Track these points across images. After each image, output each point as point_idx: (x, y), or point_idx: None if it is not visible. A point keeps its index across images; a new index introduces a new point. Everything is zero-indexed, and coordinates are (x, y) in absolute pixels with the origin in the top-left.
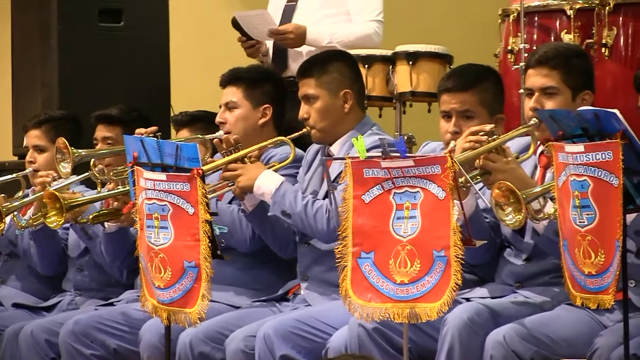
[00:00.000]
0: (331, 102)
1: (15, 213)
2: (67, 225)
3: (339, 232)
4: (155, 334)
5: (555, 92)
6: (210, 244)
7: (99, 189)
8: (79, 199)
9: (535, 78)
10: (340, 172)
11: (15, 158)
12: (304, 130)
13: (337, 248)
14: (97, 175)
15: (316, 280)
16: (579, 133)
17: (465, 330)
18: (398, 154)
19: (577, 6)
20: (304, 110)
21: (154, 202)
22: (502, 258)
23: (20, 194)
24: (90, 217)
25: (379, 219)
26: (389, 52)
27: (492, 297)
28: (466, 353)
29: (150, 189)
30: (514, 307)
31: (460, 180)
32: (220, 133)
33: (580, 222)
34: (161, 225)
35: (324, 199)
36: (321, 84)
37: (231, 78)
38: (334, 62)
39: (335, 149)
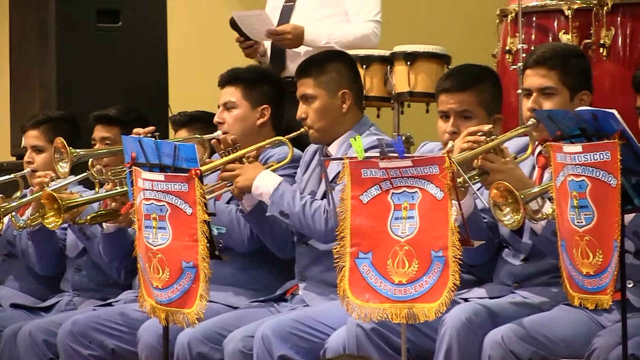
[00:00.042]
0: (329, 102)
1: (14, 213)
2: (65, 225)
3: (337, 233)
4: (153, 334)
5: (553, 93)
6: (208, 244)
7: (97, 189)
8: (77, 200)
9: (533, 78)
10: (338, 173)
11: (14, 158)
12: (302, 130)
13: (335, 248)
14: (95, 175)
15: (314, 280)
16: (577, 133)
17: (464, 331)
18: (396, 154)
19: (575, 6)
20: (301, 110)
21: (152, 203)
22: (500, 258)
23: (18, 194)
24: (89, 217)
25: (377, 219)
26: (387, 53)
27: (490, 298)
28: (464, 353)
29: (148, 190)
30: (512, 307)
31: (459, 180)
32: (218, 133)
33: (578, 222)
34: (159, 226)
35: (322, 199)
36: (319, 84)
37: (230, 78)
38: (332, 62)
39: (333, 149)
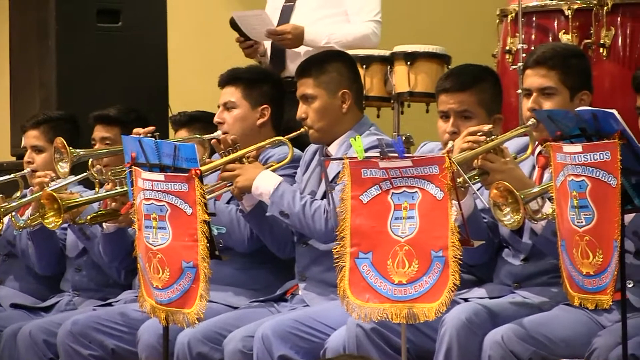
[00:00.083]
0: (329, 102)
1: (13, 213)
2: (65, 225)
3: (337, 233)
4: (153, 334)
5: (553, 93)
6: (208, 244)
7: (97, 189)
8: (77, 200)
9: (533, 78)
10: (338, 173)
11: (14, 158)
12: (302, 129)
13: (335, 248)
14: (95, 175)
15: (314, 280)
16: (577, 133)
17: (464, 331)
18: (396, 154)
19: (575, 6)
20: (301, 110)
21: (152, 203)
22: (500, 258)
23: (18, 194)
24: (89, 217)
25: (377, 219)
26: (387, 53)
27: (490, 298)
28: (464, 353)
29: (148, 190)
30: (512, 307)
31: (459, 180)
32: (218, 133)
33: (578, 222)
34: (159, 226)
35: (322, 199)
36: (319, 84)
37: (230, 78)
38: (332, 62)
39: (333, 149)
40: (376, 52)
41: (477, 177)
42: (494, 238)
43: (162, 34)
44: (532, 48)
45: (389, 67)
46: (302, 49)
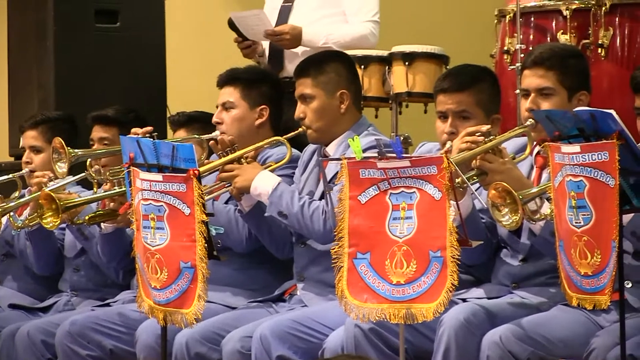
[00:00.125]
0: (327, 102)
1: (12, 213)
2: (64, 225)
3: (335, 233)
4: (151, 334)
5: (551, 93)
6: (206, 245)
7: (95, 189)
8: (75, 200)
9: (532, 79)
10: (337, 173)
11: (12, 159)
12: (300, 129)
13: (333, 248)
14: (94, 175)
15: (312, 280)
16: (575, 134)
17: (462, 331)
18: (394, 155)
19: (574, 6)
20: (300, 109)
21: (150, 203)
22: (499, 259)
23: (16, 194)
24: (87, 217)
25: (375, 219)
26: (385, 53)
27: (489, 298)
28: (462, 354)
29: (146, 190)
30: (511, 307)
31: (457, 180)
32: (216, 133)
33: (576, 222)
34: (157, 226)
35: (320, 199)
36: (318, 84)
37: (228, 78)
38: (331, 63)
39: (331, 149)
40: (374, 53)
41: (475, 178)
42: (492, 238)
43: (160, 35)
44: (530, 48)
45: (387, 67)
46: (300, 49)
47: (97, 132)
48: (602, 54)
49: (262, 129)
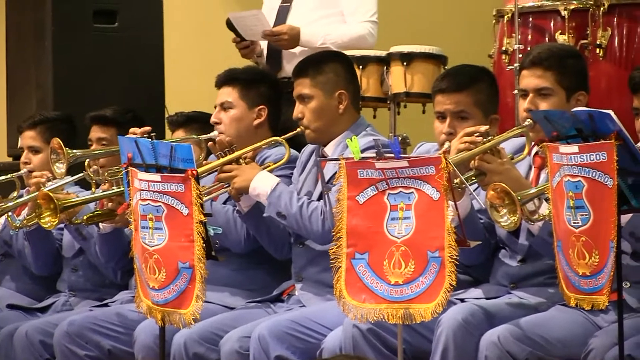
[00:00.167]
0: (326, 102)
1: (10, 213)
2: (62, 225)
3: (333, 233)
4: (149, 334)
5: (549, 93)
6: (204, 245)
7: (93, 189)
8: (73, 200)
9: (530, 79)
10: (335, 173)
11: (10, 159)
12: (298, 130)
13: (332, 249)
14: (92, 175)
15: (311, 281)
16: (574, 134)
17: (460, 331)
18: (392, 155)
19: (572, 7)
20: (298, 109)
21: (148, 203)
22: (497, 259)
23: (15, 194)
24: (85, 217)
25: (373, 219)
26: (383, 53)
27: (487, 298)
28: (460, 354)
29: (144, 190)
30: (509, 308)
31: (456, 181)
32: (214, 133)
33: (574, 222)
34: (155, 226)
35: (318, 200)
36: (316, 84)
37: (227, 78)
38: (329, 63)
39: (329, 149)
40: (372, 53)
41: (474, 178)
42: (490, 239)
43: (158, 35)
44: (529, 48)
45: (385, 67)
46: (298, 50)
47: (96, 132)
48: (600, 54)
49: (261, 129)
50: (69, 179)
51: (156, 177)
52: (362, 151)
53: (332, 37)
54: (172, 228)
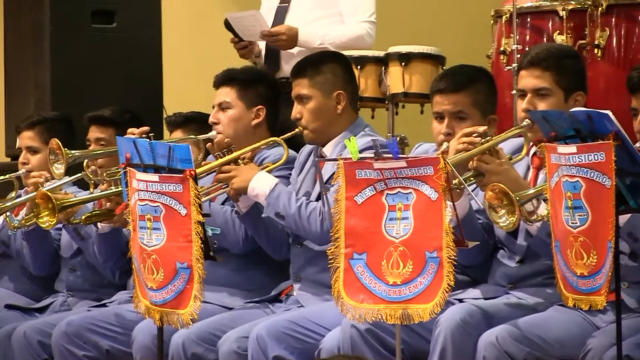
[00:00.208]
0: (324, 102)
1: (8, 213)
2: (60, 225)
3: (332, 234)
4: (147, 335)
5: (547, 93)
6: (202, 245)
7: (91, 189)
8: (72, 200)
9: (528, 79)
10: (333, 173)
11: (8, 159)
12: (297, 130)
13: (330, 249)
14: (90, 176)
15: (309, 281)
16: (572, 134)
17: (458, 332)
18: (391, 155)
19: (570, 7)
20: (296, 110)
21: (147, 203)
22: (496, 260)
23: (13, 194)
24: (83, 217)
25: (372, 220)
26: (381, 53)
27: (485, 298)
28: (459, 354)
29: (142, 190)
30: (507, 308)
31: (454, 182)
32: (213, 133)
33: (572, 223)
34: (154, 227)
35: (316, 200)
36: (314, 84)
37: (225, 79)
38: (327, 63)
39: (327, 150)
40: (370, 53)
41: (472, 179)
42: (488, 239)
43: (156, 35)
44: (527, 49)
45: (383, 67)
46: (296, 50)
47: (94, 133)
48: (599, 55)
49: (259, 129)
50: (67, 179)
51: (154, 177)
52: (361, 151)
53: (330, 37)
54: (170, 228)
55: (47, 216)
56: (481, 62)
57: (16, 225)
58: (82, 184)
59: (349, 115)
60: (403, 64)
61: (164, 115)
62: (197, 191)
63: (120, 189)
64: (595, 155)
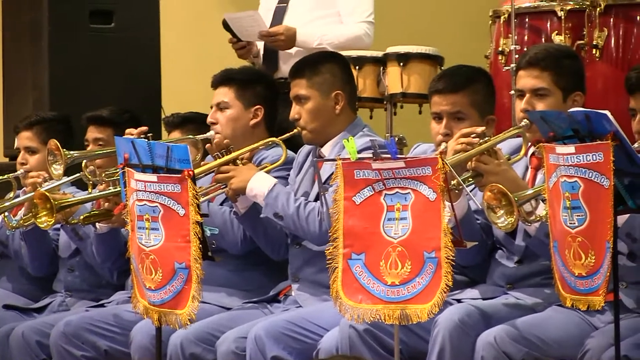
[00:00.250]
0: (322, 103)
1: (6, 213)
2: (58, 225)
3: (330, 234)
4: (146, 335)
5: (546, 94)
6: (200, 246)
7: (90, 190)
8: (70, 200)
9: (526, 79)
10: (332, 174)
11: (6, 159)
12: (295, 130)
13: (328, 249)
14: (89, 176)
15: (307, 281)
16: (570, 134)
17: (456, 332)
18: (389, 156)
19: (568, 7)
20: (295, 110)
21: (145, 204)
22: (494, 260)
23: (11, 194)
24: (81, 217)
25: (370, 220)
26: (379, 54)
27: (483, 299)
28: (457, 354)
29: (141, 190)
30: (505, 308)
31: (453, 182)
32: (211, 133)
33: (570, 223)
34: (152, 227)
35: (315, 200)
36: (313, 85)
37: (223, 79)
38: (326, 63)
39: (326, 150)
40: (369, 53)
41: (471, 179)
42: (487, 239)
43: (155, 35)
44: (525, 49)
45: (381, 68)
46: (294, 50)
47: (92, 133)
48: (597, 55)
49: (257, 129)
50: (66, 179)
51: (153, 177)
52: (359, 152)
53: (328, 37)
54: (169, 228)
55: (45, 216)
56: (479, 62)
57: (14, 225)
58: (81, 184)
59: (347, 115)
60: (401, 64)
61: (162, 116)
62: (196, 191)
63: (118, 189)
64: (594, 156)
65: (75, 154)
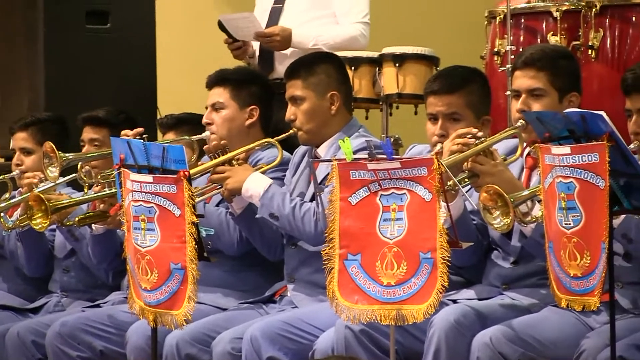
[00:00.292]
0: (318, 103)
1: (2, 214)
2: (54, 226)
3: (326, 234)
4: (141, 335)
5: (542, 94)
6: (196, 246)
7: (85, 191)
8: (65, 201)
9: (522, 80)
10: (327, 174)
11: (2, 160)
12: (291, 131)
13: (324, 250)
14: (84, 178)
15: (303, 282)
16: (566, 135)
17: (452, 332)
18: (384, 156)
19: (564, 8)
20: (290, 111)
21: (141, 204)
22: (490, 260)
23: (6, 195)
24: (77, 219)
25: (366, 220)
26: (375, 54)
27: (479, 299)
28: (453, 355)
29: (136, 191)
30: (501, 309)
31: (449, 183)
32: (206, 134)
33: (566, 224)
34: (148, 227)
35: (310, 201)
36: (308, 86)
37: (218, 79)
38: (321, 64)
39: (322, 151)
40: (364, 54)
41: (467, 180)
42: (482, 240)
43: (150, 36)
44: (521, 49)
45: (377, 68)
46: (289, 51)
47: (88, 133)
48: (593, 56)
49: (253, 129)
50: (61, 179)
51: (148, 178)
52: (355, 152)
53: (324, 38)
54: (164, 229)
55: (40, 218)
56: (475, 63)
57: (10, 226)
58: (77, 185)
59: (343, 116)
60: (397, 64)
61: (158, 116)
62: (191, 192)
63: (114, 190)
64: (589, 156)
65: (70, 157)
